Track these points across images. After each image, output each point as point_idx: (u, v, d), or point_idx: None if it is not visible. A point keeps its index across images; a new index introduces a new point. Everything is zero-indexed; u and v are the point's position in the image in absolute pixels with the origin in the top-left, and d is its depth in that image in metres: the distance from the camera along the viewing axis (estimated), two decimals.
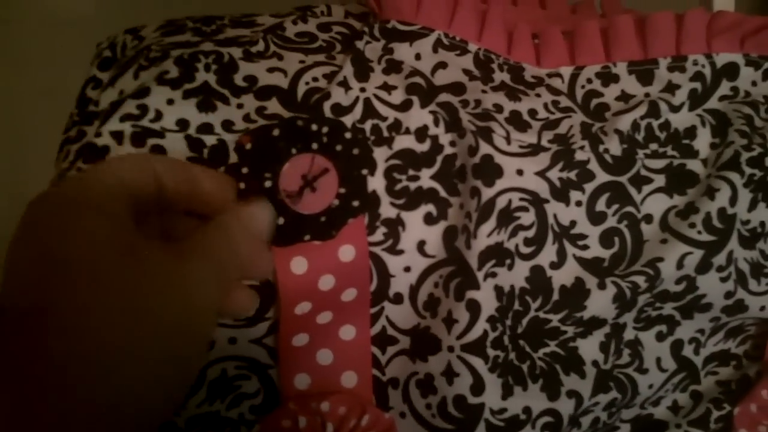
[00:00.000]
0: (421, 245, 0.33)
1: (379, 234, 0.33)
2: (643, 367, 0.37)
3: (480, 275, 0.32)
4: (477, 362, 0.32)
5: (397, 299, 0.33)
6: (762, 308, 0.38)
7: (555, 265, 0.34)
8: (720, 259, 0.35)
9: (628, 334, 0.37)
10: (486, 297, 0.32)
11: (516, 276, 0.33)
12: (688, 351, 0.38)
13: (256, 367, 0.32)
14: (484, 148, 0.32)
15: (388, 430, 0.33)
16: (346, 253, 0.32)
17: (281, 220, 0.30)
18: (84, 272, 0.22)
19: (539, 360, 0.34)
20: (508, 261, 0.33)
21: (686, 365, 0.38)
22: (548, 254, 0.34)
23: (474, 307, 0.32)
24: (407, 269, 0.33)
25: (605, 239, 0.35)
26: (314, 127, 0.30)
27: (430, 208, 0.33)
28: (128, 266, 0.23)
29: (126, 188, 0.25)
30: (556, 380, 0.34)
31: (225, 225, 0.27)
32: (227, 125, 0.31)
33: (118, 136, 0.30)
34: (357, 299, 0.32)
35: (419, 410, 0.33)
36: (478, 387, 0.32)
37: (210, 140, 0.31)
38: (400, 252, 0.33)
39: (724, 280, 0.36)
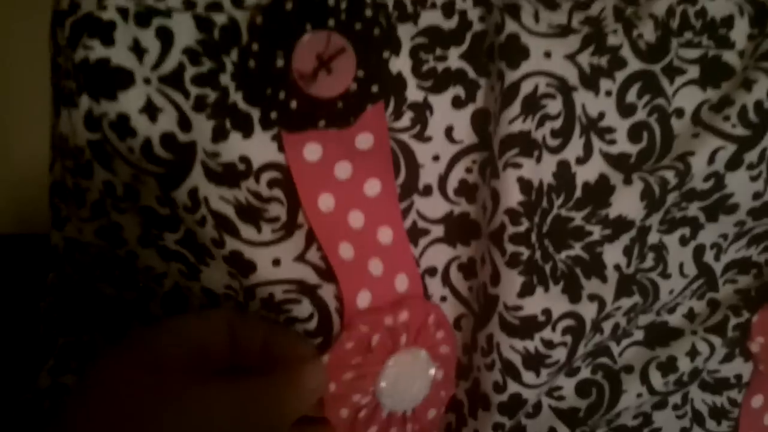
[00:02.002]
0: (449, 131, 0.32)
1: (405, 119, 0.31)
2: (667, 272, 0.36)
3: (500, 163, 0.31)
4: (495, 254, 0.31)
5: (427, 191, 0.32)
6: None
7: (580, 160, 0.32)
8: (752, 155, 0.34)
9: (653, 238, 0.35)
10: (506, 188, 0.31)
11: (544, 170, 0.32)
12: (708, 257, 0.37)
13: (306, 288, 0.30)
14: (510, 26, 0.30)
15: (444, 320, 0.33)
16: (364, 140, 0.30)
17: (294, 104, 0.28)
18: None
19: (560, 262, 0.33)
20: (536, 153, 0.31)
21: (706, 271, 0.37)
22: (575, 148, 0.32)
23: (495, 197, 0.31)
24: (436, 158, 0.32)
25: (634, 134, 0.33)
26: (331, 1, 0.28)
27: (458, 90, 0.31)
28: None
29: (199, 352, 0.27)
30: (577, 284, 0.33)
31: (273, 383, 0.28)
32: (237, 1, 0.29)
33: (124, 12, 0.28)
34: (383, 193, 0.31)
35: (461, 291, 0.34)
36: (495, 278, 0.32)
37: (220, 19, 0.28)
38: (428, 139, 0.31)
39: (753, 179, 0.35)
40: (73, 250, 0.32)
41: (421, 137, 0.31)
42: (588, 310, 0.33)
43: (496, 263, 0.32)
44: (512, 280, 0.31)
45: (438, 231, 0.33)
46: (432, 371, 0.32)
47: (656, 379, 0.36)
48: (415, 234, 0.33)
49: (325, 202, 0.29)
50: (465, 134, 0.32)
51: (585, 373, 0.36)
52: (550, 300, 0.32)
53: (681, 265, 0.36)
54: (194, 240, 0.29)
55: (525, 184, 0.31)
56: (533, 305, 0.32)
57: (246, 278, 0.29)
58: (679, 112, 0.33)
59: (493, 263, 0.32)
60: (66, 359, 0.35)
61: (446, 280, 0.34)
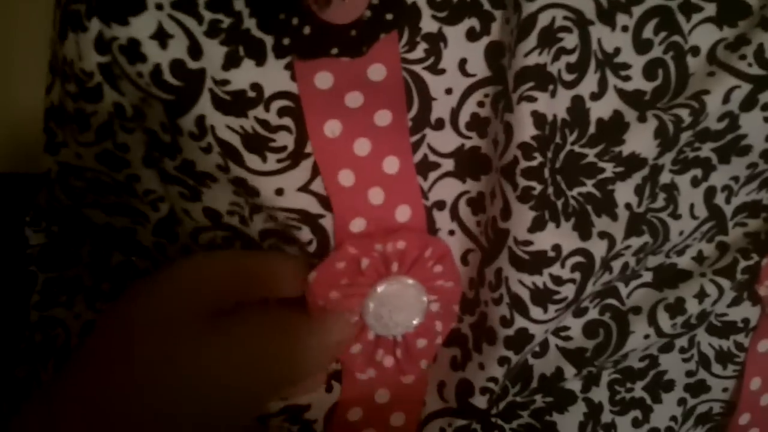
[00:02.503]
0: (462, 64, 0.31)
1: (419, 50, 0.30)
2: (677, 213, 0.36)
3: (515, 97, 0.30)
4: (507, 188, 0.31)
5: (439, 125, 0.32)
6: None
7: (595, 96, 0.32)
8: (766, 96, 0.33)
9: (665, 177, 0.35)
10: (520, 121, 0.30)
11: (558, 105, 0.32)
12: (719, 199, 0.37)
13: (308, 217, 0.30)
14: None
15: (446, 254, 0.33)
16: (376, 72, 0.30)
17: (307, 30, 0.28)
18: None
19: (572, 199, 0.33)
20: (551, 87, 0.31)
21: (716, 214, 0.37)
22: (590, 83, 0.32)
23: (508, 131, 0.31)
24: (449, 91, 0.31)
25: (649, 71, 0.33)
26: None
27: (473, 22, 0.31)
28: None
29: (207, 294, 0.28)
30: (588, 221, 0.33)
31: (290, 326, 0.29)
32: None
33: None
34: (393, 124, 0.30)
35: (469, 226, 0.34)
36: (505, 213, 0.32)
37: None
38: (442, 71, 0.31)
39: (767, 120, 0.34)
40: (67, 174, 0.32)
41: (435, 69, 0.31)
42: (598, 248, 0.33)
43: (508, 198, 0.32)
44: (523, 215, 0.31)
45: (448, 165, 0.33)
46: (424, 301, 0.32)
47: (664, 320, 0.36)
48: (425, 167, 0.33)
49: (332, 127, 0.29)
50: (478, 67, 0.31)
51: (593, 313, 0.36)
52: (560, 236, 0.32)
53: (692, 207, 0.36)
54: (192, 168, 0.30)
55: (539, 118, 0.30)
56: (544, 240, 0.32)
57: (250, 199, 0.30)
58: (695, 50, 0.33)
59: (504, 197, 0.32)
60: (52, 293, 0.36)
61: (455, 215, 0.34)
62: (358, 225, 0.31)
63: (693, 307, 0.36)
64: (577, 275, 0.33)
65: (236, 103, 0.28)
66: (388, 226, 0.31)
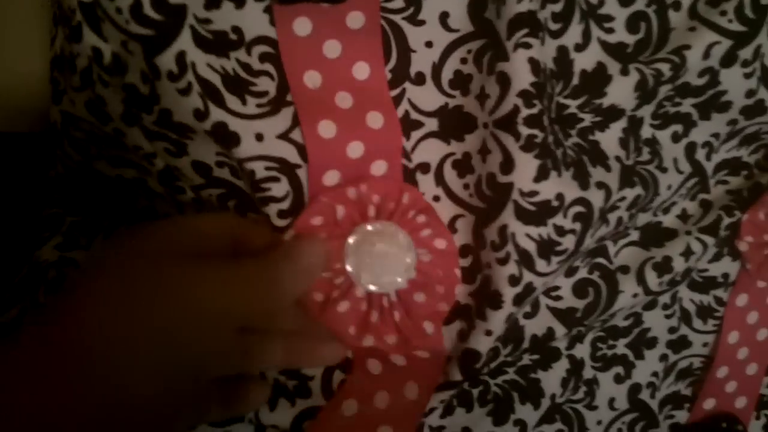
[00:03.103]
0: (443, 17, 0.31)
1: (399, 0, 0.31)
2: (663, 166, 0.36)
3: (509, 45, 0.30)
4: (507, 139, 0.31)
5: (419, 79, 0.32)
6: None
7: (579, 48, 0.33)
8: (747, 52, 0.34)
9: (646, 132, 0.36)
10: (517, 69, 0.30)
11: (547, 54, 0.32)
12: (700, 155, 0.38)
13: (286, 166, 0.30)
14: None
15: (427, 209, 0.32)
16: (355, 20, 0.30)
17: None
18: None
19: (569, 149, 0.34)
20: (541, 34, 0.31)
21: (698, 170, 0.38)
22: (574, 34, 0.33)
23: (504, 80, 0.30)
24: (429, 44, 0.32)
25: (632, 24, 0.34)
26: None
27: None
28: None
29: (201, 246, 0.28)
30: (585, 171, 0.33)
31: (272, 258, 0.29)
32: None
33: None
34: (373, 77, 0.31)
35: (456, 191, 0.33)
36: (507, 165, 0.31)
37: None
38: (422, 23, 0.31)
39: (747, 76, 0.35)
40: (68, 124, 0.33)
41: (414, 20, 0.31)
42: (596, 198, 0.33)
43: (509, 149, 0.31)
44: (528, 164, 0.31)
45: (432, 125, 0.33)
46: (411, 249, 0.31)
47: (652, 279, 0.36)
48: (407, 125, 0.32)
49: (312, 78, 0.29)
50: (461, 22, 0.31)
51: (582, 273, 0.37)
52: (562, 185, 0.32)
53: (675, 161, 0.37)
54: (170, 119, 0.29)
55: (535, 65, 0.30)
56: (548, 189, 0.31)
57: (231, 152, 0.29)
58: (677, 5, 0.34)
59: (504, 150, 0.31)
60: (75, 236, 0.36)
61: (440, 179, 0.33)
62: (331, 178, 0.30)
63: (679, 265, 0.37)
64: (578, 225, 0.33)
65: (218, 43, 0.28)
66: (363, 179, 0.31)
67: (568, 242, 0.33)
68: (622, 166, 0.34)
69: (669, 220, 0.39)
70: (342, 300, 0.31)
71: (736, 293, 0.40)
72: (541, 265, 0.32)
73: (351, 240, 0.31)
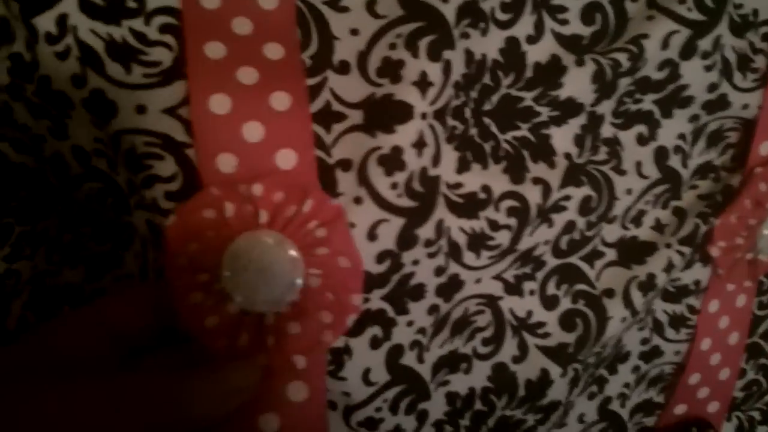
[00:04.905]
0: (370, 4, 0.29)
1: None
2: (621, 168, 0.35)
3: (456, 33, 0.29)
4: (439, 130, 0.30)
5: (343, 68, 0.29)
6: (745, 106, 0.36)
7: (532, 39, 0.32)
8: (706, 43, 0.33)
9: (606, 131, 0.34)
10: (458, 60, 0.30)
11: (489, 45, 0.31)
12: (675, 162, 0.36)
13: (171, 144, 0.27)
14: None
15: (336, 218, 0.28)
16: (267, 0, 0.28)
17: None
18: None
19: (506, 143, 0.32)
20: (482, 25, 0.30)
21: (671, 177, 0.36)
22: (525, 25, 0.32)
23: (448, 70, 0.29)
24: (354, 32, 0.29)
25: (586, 14, 0.32)
26: None
27: None
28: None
29: (115, 338, 0.26)
30: (522, 166, 0.32)
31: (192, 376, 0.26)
32: None
33: None
34: (285, 59, 0.28)
35: (381, 192, 0.29)
36: (436, 158, 0.30)
37: None
38: (345, 9, 0.29)
39: (708, 68, 0.34)
40: None
41: (336, 6, 0.29)
42: (532, 193, 0.32)
43: (439, 141, 0.30)
44: (449, 156, 0.31)
45: (356, 117, 0.29)
46: (298, 269, 0.27)
47: (638, 299, 0.35)
48: (327, 117, 0.29)
49: (214, 48, 0.27)
50: (389, 8, 0.29)
51: (565, 303, 0.35)
52: (488, 177, 0.31)
53: (638, 164, 0.35)
54: (49, 87, 0.27)
55: (469, 56, 0.30)
56: (472, 181, 0.31)
57: (107, 124, 0.27)
58: None
59: (436, 142, 0.30)
60: (21, 246, 0.35)
61: (363, 178, 0.29)
62: (226, 163, 0.27)
63: (662, 281, 0.36)
64: (513, 221, 0.32)
65: (110, 10, 0.26)
66: (266, 170, 0.27)
67: (502, 238, 0.32)
68: (570, 164, 0.33)
69: (645, 233, 0.37)
70: (212, 314, 0.26)
71: (708, 299, 0.38)
72: (469, 257, 0.32)
73: (232, 248, 0.26)
